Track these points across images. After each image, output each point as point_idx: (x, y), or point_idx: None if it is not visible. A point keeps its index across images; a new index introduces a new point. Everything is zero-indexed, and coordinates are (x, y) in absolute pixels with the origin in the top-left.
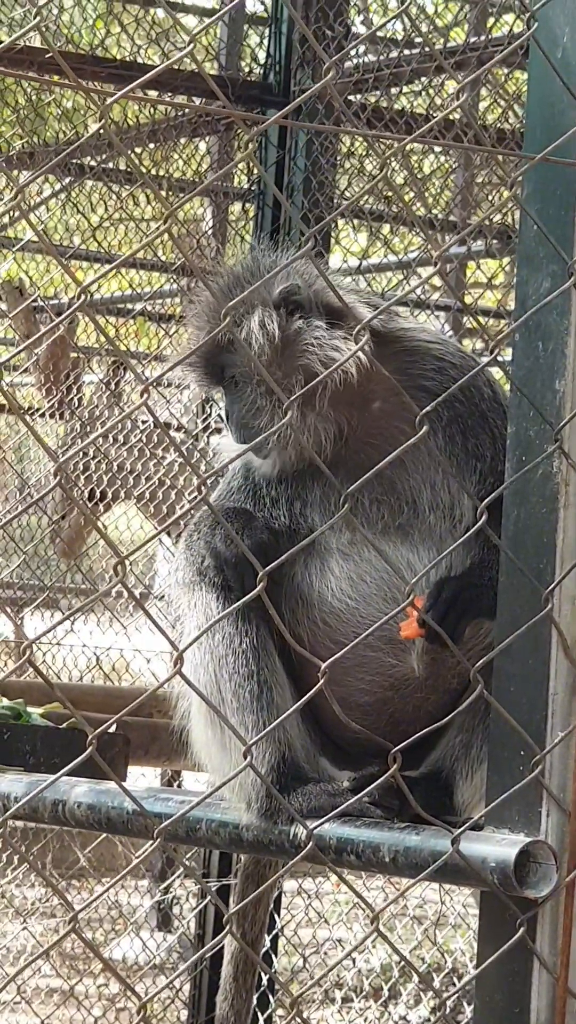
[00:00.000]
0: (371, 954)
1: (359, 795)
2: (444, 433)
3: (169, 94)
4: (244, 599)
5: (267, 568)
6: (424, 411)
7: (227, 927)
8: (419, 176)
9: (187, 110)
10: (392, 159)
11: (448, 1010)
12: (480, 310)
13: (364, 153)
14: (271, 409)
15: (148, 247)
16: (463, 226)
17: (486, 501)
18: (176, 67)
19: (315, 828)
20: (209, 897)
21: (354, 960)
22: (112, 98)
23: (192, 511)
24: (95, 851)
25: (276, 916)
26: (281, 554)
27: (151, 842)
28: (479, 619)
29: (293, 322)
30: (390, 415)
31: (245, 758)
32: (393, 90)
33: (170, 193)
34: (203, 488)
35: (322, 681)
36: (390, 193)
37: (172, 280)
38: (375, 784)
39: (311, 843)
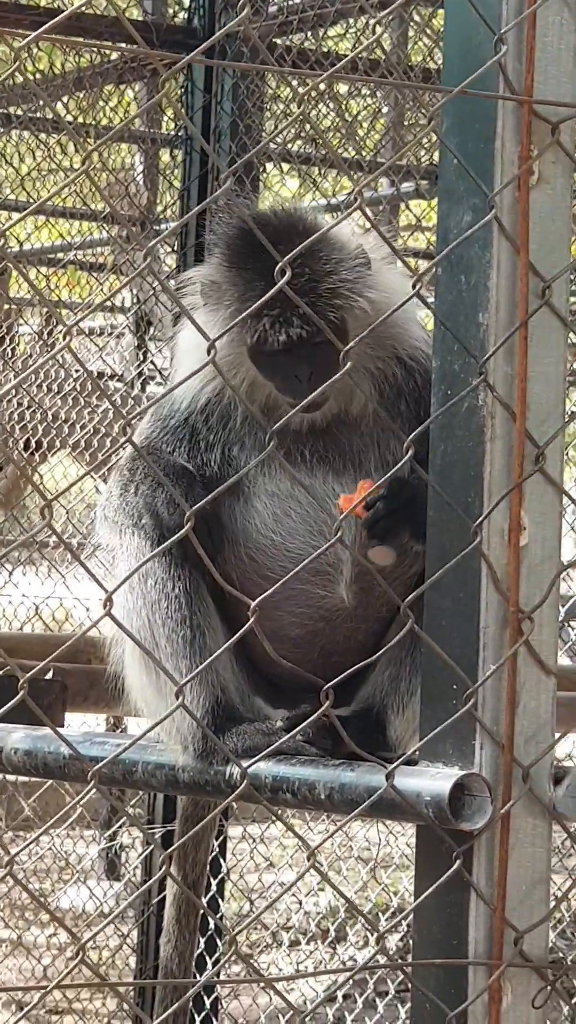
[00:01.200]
0: (318, 897)
1: (292, 733)
2: (397, 399)
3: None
4: (172, 539)
5: (194, 507)
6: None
7: (162, 867)
8: (347, 118)
9: (112, 57)
10: (312, 98)
11: (396, 950)
12: (412, 252)
13: (291, 97)
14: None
15: (79, 196)
16: (392, 167)
17: (412, 435)
18: (101, 13)
19: (249, 767)
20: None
21: (301, 902)
22: (26, 39)
23: (123, 449)
24: (40, 801)
25: (222, 861)
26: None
27: (88, 786)
28: (414, 537)
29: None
30: (356, 375)
31: (177, 699)
32: (321, 32)
33: (95, 141)
34: (127, 430)
35: (252, 620)
36: (315, 135)
37: (103, 228)
38: (307, 722)
39: (245, 782)
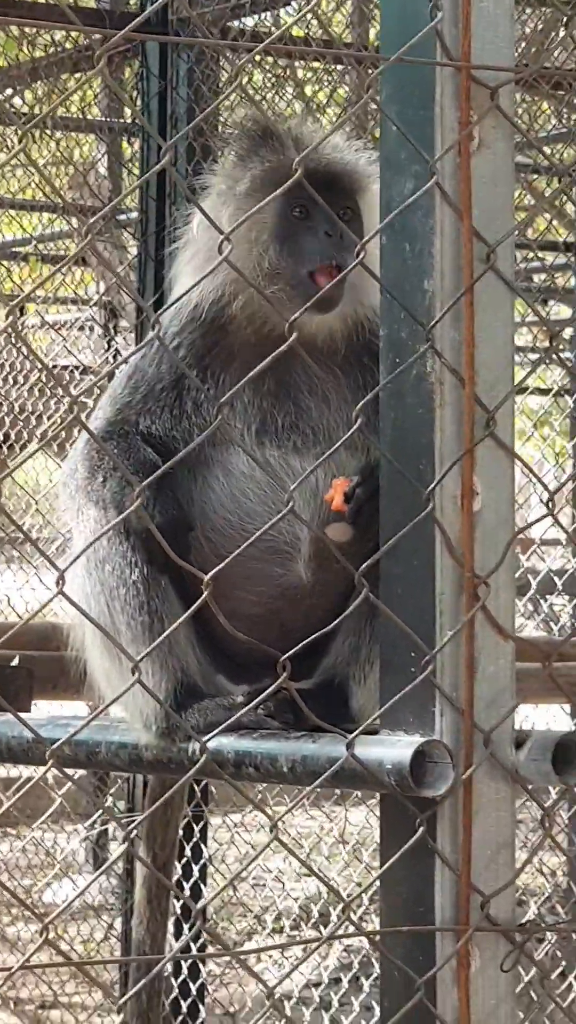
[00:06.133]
0: (304, 883)
1: (250, 705)
2: (360, 373)
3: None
4: (122, 515)
5: (143, 483)
6: None
7: (125, 844)
8: (310, 102)
9: (67, 46)
10: (270, 82)
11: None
12: None
13: (248, 80)
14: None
15: (39, 189)
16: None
17: (361, 403)
18: (53, 3)
19: (207, 740)
20: (135, 833)
21: (284, 885)
22: None
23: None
24: (24, 796)
25: (203, 847)
26: None
27: (46, 766)
28: None
29: None
30: (343, 353)
31: (134, 675)
32: (274, 14)
33: (54, 132)
34: (74, 408)
35: (206, 593)
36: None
37: (65, 220)
38: (265, 694)
39: (205, 756)
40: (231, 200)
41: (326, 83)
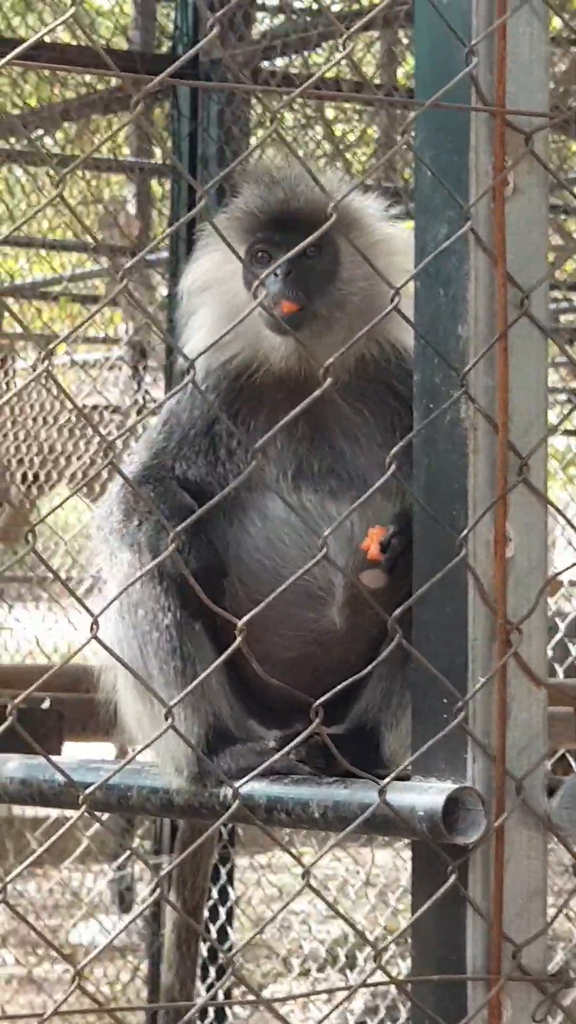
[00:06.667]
0: (330, 925)
1: (283, 751)
2: (388, 415)
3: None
4: (158, 559)
5: (179, 527)
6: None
7: (157, 890)
8: (341, 144)
9: (99, 87)
10: (300, 123)
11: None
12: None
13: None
14: (334, 291)
15: (69, 229)
16: (379, 189)
17: (395, 450)
18: (85, 45)
19: (240, 786)
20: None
21: (311, 928)
22: None
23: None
24: (47, 836)
25: (230, 889)
26: None
27: (79, 811)
28: None
29: None
30: (367, 395)
31: (167, 720)
32: (305, 55)
33: (86, 173)
34: (109, 452)
35: (239, 639)
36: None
37: (95, 260)
38: (298, 740)
39: (237, 802)
40: (211, 244)
41: (356, 122)
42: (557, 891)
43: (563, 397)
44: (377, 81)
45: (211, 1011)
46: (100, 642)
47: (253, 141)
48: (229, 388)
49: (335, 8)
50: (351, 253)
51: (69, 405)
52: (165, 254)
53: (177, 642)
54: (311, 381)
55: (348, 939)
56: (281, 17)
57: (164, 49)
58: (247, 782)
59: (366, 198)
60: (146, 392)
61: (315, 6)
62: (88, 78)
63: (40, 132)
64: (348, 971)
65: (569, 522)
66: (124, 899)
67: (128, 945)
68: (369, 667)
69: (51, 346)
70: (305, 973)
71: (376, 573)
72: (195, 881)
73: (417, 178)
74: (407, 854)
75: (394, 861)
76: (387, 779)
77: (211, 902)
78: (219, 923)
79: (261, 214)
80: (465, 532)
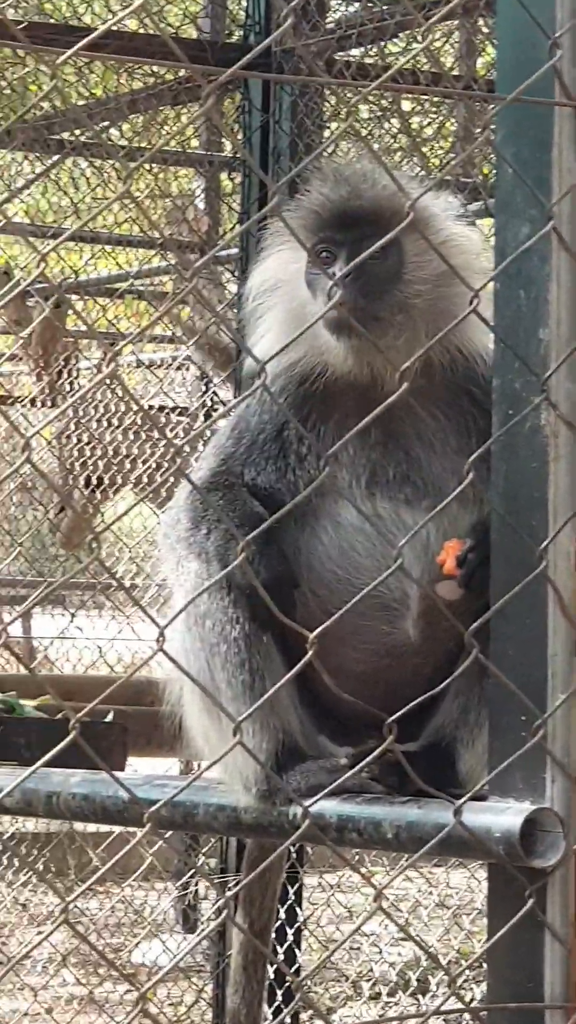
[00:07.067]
0: (401, 947)
1: (355, 769)
2: (464, 418)
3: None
4: (226, 569)
5: (248, 536)
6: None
7: (223, 913)
8: (417, 137)
9: (168, 78)
10: (375, 115)
11: (480, 999)
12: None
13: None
14: (397, 292)
15: (137, 224)
16: (457, 184)
17: (472, 457)
18: (153, 34)
19: (310, 805)
20: (228, 894)
21: (381, 950)
22: (62, 57)
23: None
24: (110, 852)
25: (298, 910)
26: None
27: (144, 828)
28: None
29: None
30: (441, 398)
31: (235, 735)
32: (380, 45)
33: (153, 166)
34: (177, 459)
35: (310, 653)
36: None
37: (162, 257)
38: (371, 757)
39: (307, 821)
40: (278, 243)
41: (433, 115)
42: None
43: None
44: (456, 72)
45: None
46: (167, 654)
47: (327, 134)
48: (297, 392)
49: None
50: (416, 253)
51: (134, 407)
52: (235, 250)
53: (246, 655)
54: (379, 385)
55: (420, 962)
56: (356, 5)
57: (235, 38)
58: (318, 801)
59: (437, 195)
60: (214, 394)
61: None
62: (156, 68)
63: (106, 124)
64: (420, 996)
65: None
66: (188, 918)
67: (192, 966)
68: (445, 682)
69: (118, 347)
70: (375, 997)
71: (452, 585)
72: (263, 901)
73: (498, 175)
74: (482, 874)
75: (468, 882)
76: (463, 799)
77: (278, 922)
78: (286, 944)
79: (324, 212)
80: (545, 543)
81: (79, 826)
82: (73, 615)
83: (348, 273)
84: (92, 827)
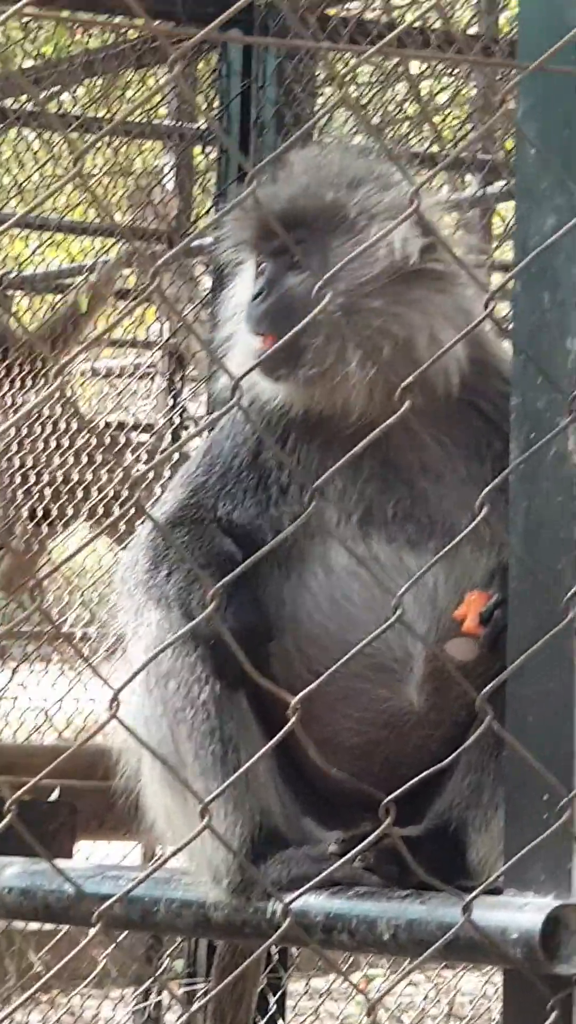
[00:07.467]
0: None
1: (346, 858)
2: (474, 440)
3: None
4: (192, 622)
5: (220, 583)
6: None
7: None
8: (428, 106)
9: (130, 36)
10: (379, 79)
11: None
12: (503, 266)
13: (349, 79)
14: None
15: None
16: (472, 160)
17: (486, 490)
18: None
19: (292, 901)
20: (195, 1003)
21: None
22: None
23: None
24: (55, 956)
25: (281, 1022)
26: None
27: (93, 930)
28: None
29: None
30: (444, 418)
31: (203, 818)
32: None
33: (114, 139)
34: (137, 488)
35: (293, 720)
36: (368, 122)
37: (122, 245)
38: (365, 843)
39: (288, 919)
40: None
41: (446, 78)
42: None
43: None
44: (474, 30)
45: None
46: (122, 723)
47: (320, 103)
48: (278, 415)
49: None
50: (343, 257)
51: (89, 430)
52: (209, 240)
53: (216, 722)
54: (357, 411)
55: None
56: None
57: None
58: (301, 895)
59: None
60: (183, 410)
61: None
62: (115, 24)
63: (56, 88)
64: None
65: None
66: None
67: None
68: (454, 754)
69: (66, 360)
70: None
71: (467, 643)
72: (236, 1015)
73: (519, 157)
74: (499, 979)
75: (483, 988)
76: (474, 893)
77: None
78: None
79: (256, 215)
80: (572, 592)
81: (19, 924)
82: (14, 671)
83: (259, 293)
84: (35, 924)
